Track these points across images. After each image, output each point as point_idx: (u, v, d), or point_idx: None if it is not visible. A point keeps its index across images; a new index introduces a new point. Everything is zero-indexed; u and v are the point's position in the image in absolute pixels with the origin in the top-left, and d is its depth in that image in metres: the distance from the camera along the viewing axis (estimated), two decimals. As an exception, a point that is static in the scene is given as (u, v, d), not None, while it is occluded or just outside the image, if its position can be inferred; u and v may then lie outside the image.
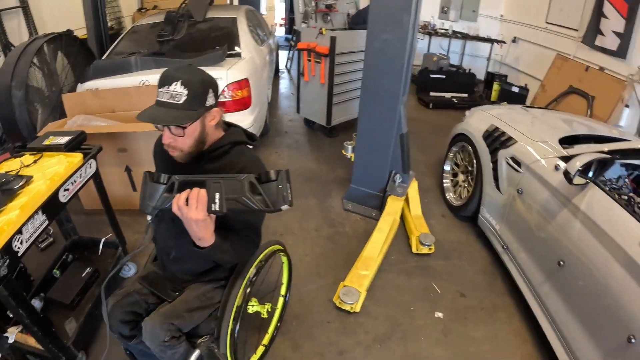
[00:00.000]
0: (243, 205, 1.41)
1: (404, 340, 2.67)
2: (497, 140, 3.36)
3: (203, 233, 1.47)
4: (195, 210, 1.40)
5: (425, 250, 3.39)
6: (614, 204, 2.34)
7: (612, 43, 6.40)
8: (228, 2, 9.82)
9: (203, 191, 1.41)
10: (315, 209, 3.90)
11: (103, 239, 3.07)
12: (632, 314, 2.00)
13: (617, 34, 6.32)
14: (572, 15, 7.13)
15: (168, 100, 1.52)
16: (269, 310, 2.28)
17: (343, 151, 4.07)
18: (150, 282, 1.97)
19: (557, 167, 2.68)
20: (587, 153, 2.48)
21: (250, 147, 1.87)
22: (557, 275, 2.61)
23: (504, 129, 3.39)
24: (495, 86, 7.51)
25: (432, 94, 7.18)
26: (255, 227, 1.88)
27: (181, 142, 1.62)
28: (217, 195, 1.41)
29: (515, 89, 7.33)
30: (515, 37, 8.32)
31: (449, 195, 4.13)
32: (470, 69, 7.85)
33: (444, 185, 4.25)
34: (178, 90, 1.51)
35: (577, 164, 2.38)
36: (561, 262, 2.54)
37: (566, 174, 2.43)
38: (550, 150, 2.91)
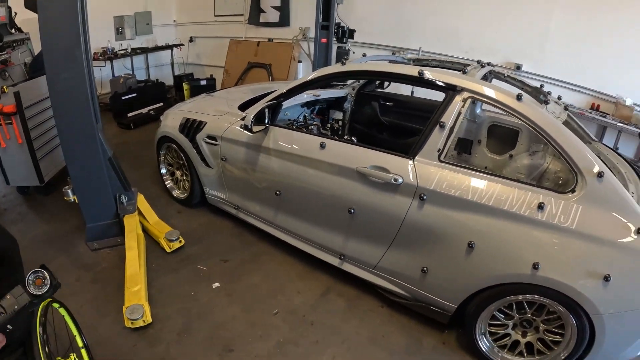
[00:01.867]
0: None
1: (202, 318, 3.46)
2: (191, 128, 4.40)
3: None
4: None
5: (176, 244, 4.23)
6: (292, 132, 3.71)
7: (274, 16, 8.47)
8: None
9: None
10: (67, 263, 4.25)
11: None
12: (341, 195, 3.38)
13: (276, 7, 8.40)
14: (235, 4, 9.12)
15: None
16: (76, 358, 2.56)
17: (65, 197, 4.39)
18: None
19: (241, 127, 3.81)
20: (254, 107, 3.71)
21: None
22: (281, 203, 3.87)
23: (194, 117, 4.45)
24: (185, 86, 8.83)
25: (129, 114, 7.90)
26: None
27: None
28: None
29: (203, 82, 8.80)
30: (191, 37, 9.93)
31: (176, 193, 5.07)
32: (158, 79, 8.86)
33: (168, 186, 5.16)
34: None
35: (250, 117, 3.60)
36: (278, 192, 3.78)
37: (246, 127, 3.67)
38: (233, 118, 4.10)
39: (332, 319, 3.48)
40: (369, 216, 3.30)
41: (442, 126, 3.02)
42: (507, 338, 3.10)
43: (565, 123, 3.91)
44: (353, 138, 4.61)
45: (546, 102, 3.28)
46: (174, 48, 9.51)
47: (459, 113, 3.02)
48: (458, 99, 3.04)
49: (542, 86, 4.15)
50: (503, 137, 4.39)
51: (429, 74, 3.17)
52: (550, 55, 6.62)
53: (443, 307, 3.20)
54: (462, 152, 4.56)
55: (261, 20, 8.63)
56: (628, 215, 2.59)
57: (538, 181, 3.89)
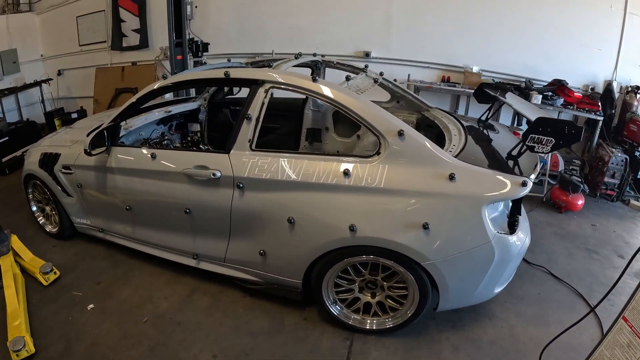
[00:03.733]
0: None
1: (80, 339, 3.60)
2: (49, 161, 4.55)
3: None
4: None
5: (52, 276, 4.34)
6: (129, 149, 4.02)
7: (135, 40, 8.67)
8: None
9: None
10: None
11: None
12: (176, 198, 3.71)
13: (136, 30, 8.62)
14: (98, 31, 9.18)
15: None
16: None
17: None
18: None
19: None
20: (93, 132, 3.93)
21: None
22: (134, 217, 4.13)
23: (50, 151, 4.60)
24: (57, 122, 8.64)
25: (3, 159, 7.69)
26: None
27: None
28: None
29: (74, 115, 8.72)
30: (60, 70, 9.84)
31: (49, 228, 5.15)
32: (28, 119, 8.64)
33: (41, 222, 5.24)
34: None
35: (87, 141, 3.84)
36: (128, 207, 4.04)
37: (85, 152, 3.88)
38: (82, 146, 4.25)
39: (198, 316, 3.77)
40: (203, 213, 3.63)
41: (249, 118, 3.39)
42: (358, 302, 3.46)
43: (399, 97, 4.42)
44: (202, 147, 4.95)
45: (347, 79, 3.74)
46: (43, 84, 9.26)
47: (263, 103, 3.41)
48: (261, 91, 3.42)
49: (366, 66, 4.59)
50: (348, 120, 4.69)
51: (234, 73, 3.54)
52: (395, 39, 7.24)
53: (291, 284, 3.54)
54: (313, 141, 4.90)
55: (124, 44, 8.80)
56: (438, 165, 2.97)
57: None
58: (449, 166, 2.96)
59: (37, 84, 9.20)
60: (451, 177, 2.89)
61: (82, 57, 9.51)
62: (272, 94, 3.48)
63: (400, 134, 3.00)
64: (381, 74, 4.49)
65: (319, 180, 3.12)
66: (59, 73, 9.86)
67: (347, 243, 3.09)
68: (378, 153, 3.10)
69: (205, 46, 7.35)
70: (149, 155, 3.75)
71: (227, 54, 7.64)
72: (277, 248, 3.42)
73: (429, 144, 3.05)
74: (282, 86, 3.41)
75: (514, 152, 3.10)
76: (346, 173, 3.06)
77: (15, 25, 9.42)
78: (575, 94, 6.60)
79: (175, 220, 3.81)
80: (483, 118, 4.27)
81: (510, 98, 3.96)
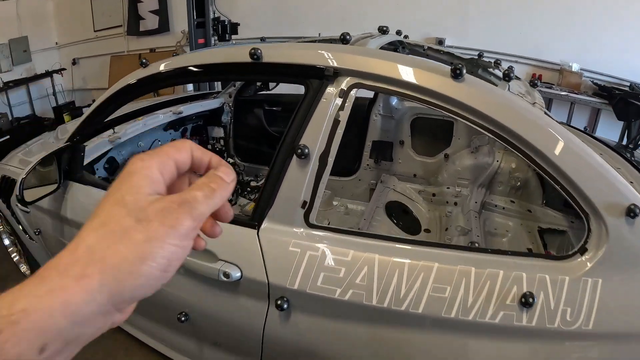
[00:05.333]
0: None
1: None
2: (5, 188, 2.92)
3: None
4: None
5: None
6: (92, 190, 2.26)
7: (153, 22, 7.15)
8: None
9: None
10: None
11: None
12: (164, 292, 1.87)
13: (155, 12, 7.07)
14: (114, 14, 7.71)
15: None
16: None
17: None
18: None
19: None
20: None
21: None
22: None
23: (9, 173, 2.95)
24: (66, 117, 7.15)
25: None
26: None
27: None
28: None
29: (85, 110, 7.22)
30: (74, 59, 8.42)
31: (23, 269, 3.58)
32: (35, 113, 7.56)
33: (15, 260, 3.67)
34: None
35: (19, 180, 2.21)
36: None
37: (17, 198, 2.24)
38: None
39: None
40: (212, 326, 1.87)
41: (305, 156, 1.49)
42: None
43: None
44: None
45: (507, 78, 1.82)
46: (55, 74, 7.88)
47: (337, 120, 1.53)
48: (331, 91, 1.55)
49: (480, 55, 2.88)
50: (433, 131, 3.14)
51: (270, 54, 1.67)
52: (475, 24, 5.68)
53: None
54: (380, 159, 3.29)
55: (141, 28, 7.34)
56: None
57: (489, 187, 2.66)
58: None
59: (48, 74, 7.82)
60: None
61: (98, 44, 8.10)
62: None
63: (633, 214, 1.25)
64: (510, 68, 2.73)
65: (466, 315, 1.32)
66: (74, 62, 8.45)
67: None
68: (582, 250, 1.33)
69: (233, 27, 5.68)
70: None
71: (259, 38, 6.09)
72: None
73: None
74: (378, 83, 1.52)
75: None
76: (527, 302, 1.27)
77: (27, 11, 8.06)
78: (684, 105, 5.08)
79: (164, 320, 2.10)
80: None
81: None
